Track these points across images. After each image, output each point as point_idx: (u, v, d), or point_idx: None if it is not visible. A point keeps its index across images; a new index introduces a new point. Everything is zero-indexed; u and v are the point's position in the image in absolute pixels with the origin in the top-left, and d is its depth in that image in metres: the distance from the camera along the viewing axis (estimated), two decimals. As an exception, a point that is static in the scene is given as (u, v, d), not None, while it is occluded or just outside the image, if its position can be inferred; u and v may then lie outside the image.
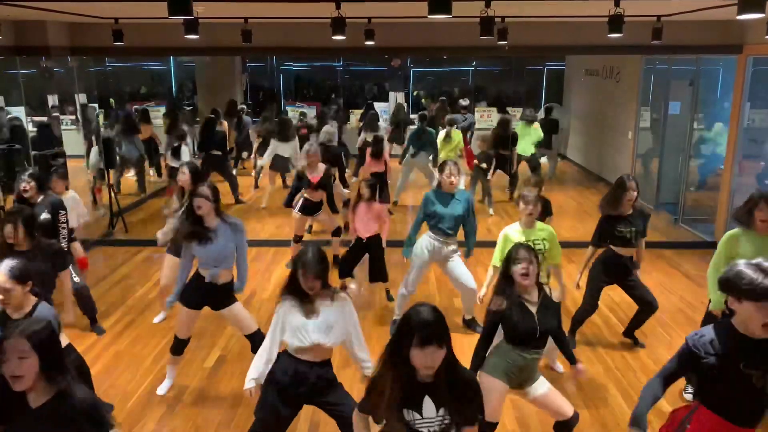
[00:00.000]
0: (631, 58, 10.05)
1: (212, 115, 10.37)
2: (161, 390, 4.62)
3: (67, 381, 2.38)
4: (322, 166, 6.79)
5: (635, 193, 4.93)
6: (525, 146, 10.29)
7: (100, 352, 5.22)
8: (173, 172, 9.14)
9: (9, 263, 3.15)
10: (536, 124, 10.64)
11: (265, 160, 9.69)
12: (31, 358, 2.29)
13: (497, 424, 3.52)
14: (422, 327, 2.24)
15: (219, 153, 9.88)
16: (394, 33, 7.67)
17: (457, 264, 5.43)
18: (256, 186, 11.10)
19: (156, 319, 5.83)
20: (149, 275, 7.04)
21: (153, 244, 7.98)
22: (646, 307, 5.15)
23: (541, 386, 3.49)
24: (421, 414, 2.35)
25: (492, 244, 7.73)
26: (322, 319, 3.27)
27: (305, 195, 6.81)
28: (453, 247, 5.41)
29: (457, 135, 9.72)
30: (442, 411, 2.36)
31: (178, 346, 4.54)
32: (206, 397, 4.59)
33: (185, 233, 4.29)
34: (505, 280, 3.42)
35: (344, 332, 3.37)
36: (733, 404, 2.55)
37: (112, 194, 8.47)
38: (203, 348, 5.30)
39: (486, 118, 14.60)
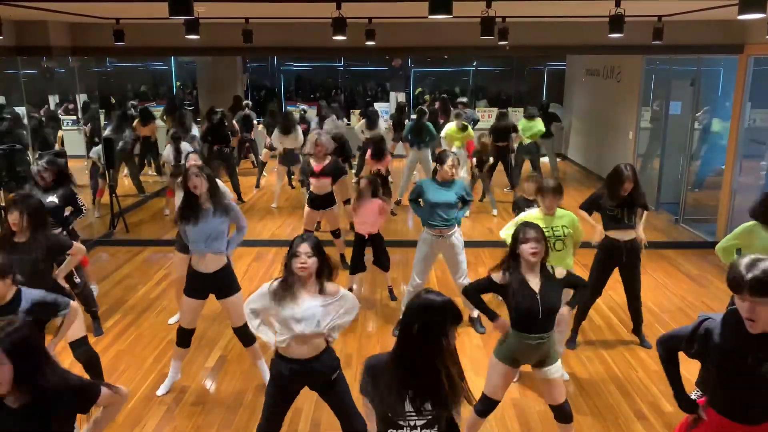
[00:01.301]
0: (632, 58, 10.05)
1: (220, 110, 10.41)
2: (160, 391, 4.61)
3: (46, 381, 2.28)
4: (327, 158, 6.77)
5: (631, 184, 4.90)
6: (529, 138, 10.51)
7: (101, 352, 5.20)
8: (174, 172, 9.18)
9: None
10: (538, 119, 10.73)
11: (275, 148, 9.76)
12: (5, 364, 2.18)
13: (498, 402, 3.61)
14: (444, 311, 2.30)
15: (226, 147, 9.98)
16: (395, 33, 7.67)
17: (459, 259, 5.41)
18: (258, 186, 11.11)
19: (171, 320, 5.80)
20: (150, 275, 7.05)
21: (154, 244, 8.03)
22: (630, 296, 5.25)
23: (553, 372, 3.53)
24: (409, 406, 2.36)
25: (494, 244, 7.82)
26: (303, 308, 3.21)
27: (311, 189, 6.83)
28: (454, 233, 5.36)
29: (468, 126, 9.96)
30: (428, 404, 2.36)
31: (183, 337, 4.53)
32: (207, 397, 4.59)
33: (178, 212, 4.37)
34: (512, 258, 3.47)
35: (329, 322, 3.28)
36: (742, 404, 2.51)
37: (113, 194, 8.47)
38: (204, 348, 5.30)
39: (487, 117, 14.61)
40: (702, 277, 6.97)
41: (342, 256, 7.09)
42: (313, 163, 6.75)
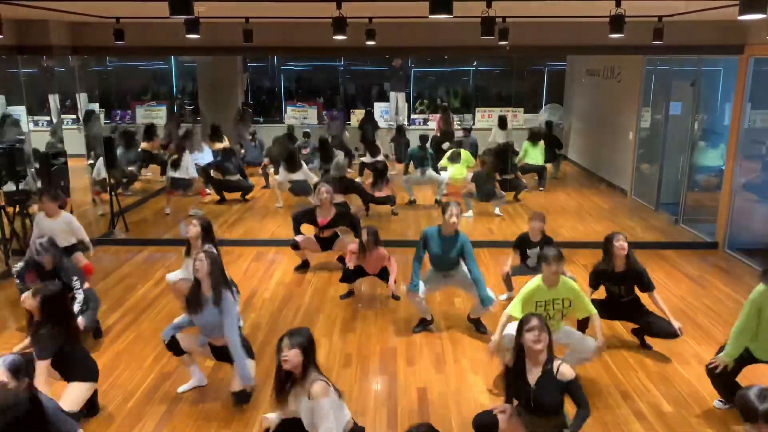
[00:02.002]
0: (633, 59, 10.05)
1: (228, 147, 10.66)
2: (181, 388, 4.64)
3: None
4: (333, 209, 6.87)
5: (624, 243, 4.94)
6: (534, 159, 10.98)
7: (101, 351, 5.22)
8: (175, 183, 9.29)
9: (9, 357, 3.20)
10: (542, 143, 11.14)
11: (277, 185, 9.95)
12: None
13: None
14: None
15: (236, 178, 10.22)
16: (395, 33, 7.67)
17: (466, 277, 5.43)
18: (267, 185, 11.18)
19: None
20: (150, 275, 7.04)
21: (154, 244, 8.03)
22: (670, 337, 5.03)
23: None
24: None
25: (494, 245, 7.83)
26: (298, 408, 3.41)
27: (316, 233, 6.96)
28: (461, 267, 5.43)
29: (465, 153, 10.32)
30: None
31: (174, 348, 4.50)
32: (206, 396, 4.58)
33: (185, 302, 4.47)
34: (518, 346, 3.56)
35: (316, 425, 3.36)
36: None
37: (113, 194, 8.48)
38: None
39: (487, 117, 14.64)
40: (702, 278, 6.96)
41: (341, 258, 7.11)
42: (318, 216, 6.80)
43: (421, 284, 5.43)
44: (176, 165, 9.31)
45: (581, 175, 12.70)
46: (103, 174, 8.75)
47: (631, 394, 4.62)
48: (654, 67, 9.82)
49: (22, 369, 3.22)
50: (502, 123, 13.03)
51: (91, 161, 8.96)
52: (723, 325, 5.72)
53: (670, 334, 4.98)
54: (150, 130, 11.61)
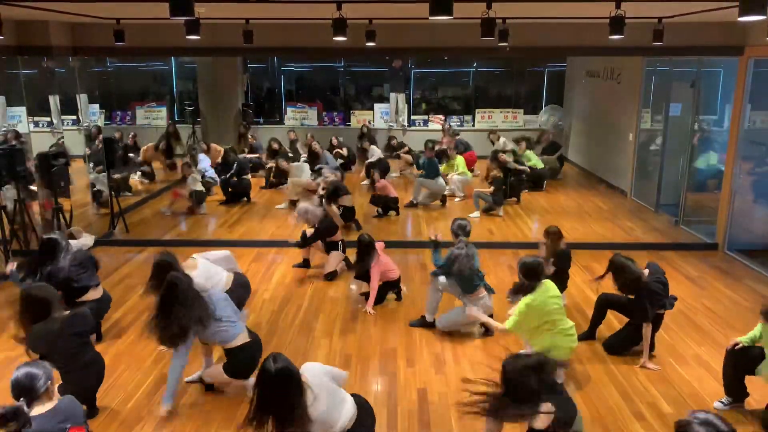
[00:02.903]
0: (633, 60, 10.06)
1: (240, 160, 10.79)
2: (189, 378, 4.71)
3: None
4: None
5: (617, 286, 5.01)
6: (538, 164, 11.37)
7: (101, 352, 5.20)
8: (198, 196, 9.41)
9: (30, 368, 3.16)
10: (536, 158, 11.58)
11: (292, 186, 10.20)
12: None
13: None
14: None
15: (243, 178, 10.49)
16: (395, 34, 7.68)
17: (455, 310, 5.52)
18: (267, 185, 11.22)
19: None
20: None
21: (154, 244, 8.03)
22: (612, 351, 5.21)
23: None
24: None
25: (491, 245, 7.82)
26: None
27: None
28: (472, 303, 5.43)
29: (460, 158, 11.06)
30: None
31: None
32: (207, 397, 4.58)
33: None
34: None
35: None
36: None
37: (112, 194, 8.48)
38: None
39: (487, 118, 14.66)
40: (701, 279, 6.96)
41: (347, 259, 7.13)
42: (307, 230, 7.00)
43: (443, 278, 5.59)
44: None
45: (581, 175, 12.70)
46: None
47: (630, 395, 4.62)
48: (654, 68, 9.83)
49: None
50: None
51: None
52: (723, 326, 5.72)
53: (627, 341, 5.14)
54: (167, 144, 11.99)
